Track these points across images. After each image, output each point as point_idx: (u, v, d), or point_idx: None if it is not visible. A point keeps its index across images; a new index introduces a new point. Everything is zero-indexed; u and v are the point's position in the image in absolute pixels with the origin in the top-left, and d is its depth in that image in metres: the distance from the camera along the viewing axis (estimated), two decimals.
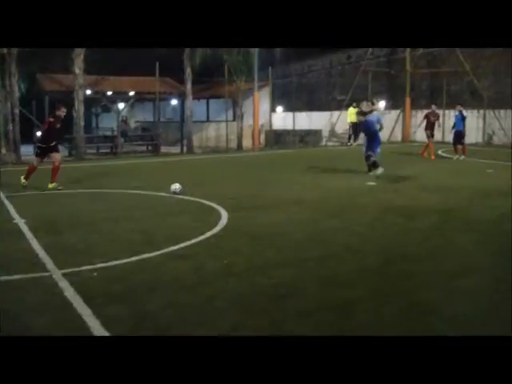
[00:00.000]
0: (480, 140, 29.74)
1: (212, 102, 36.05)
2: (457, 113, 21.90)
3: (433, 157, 21.93)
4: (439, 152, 24.13)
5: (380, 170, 14.66)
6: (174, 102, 32.83)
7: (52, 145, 13.68)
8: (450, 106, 31.05)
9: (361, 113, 15.91)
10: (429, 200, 11.69)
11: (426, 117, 22.94)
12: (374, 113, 15.63)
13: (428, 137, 22.63)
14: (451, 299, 5.64)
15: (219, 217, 9.83)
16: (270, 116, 31.83)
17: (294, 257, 7.32)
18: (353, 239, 8.30)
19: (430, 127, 22.57)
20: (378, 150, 15.20)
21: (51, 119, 13.84)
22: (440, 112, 31.97)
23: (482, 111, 29.24)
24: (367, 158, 15.13)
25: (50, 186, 13.31)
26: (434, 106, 23.76)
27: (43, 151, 13.77)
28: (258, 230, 8.95)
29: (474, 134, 29.17)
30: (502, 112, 29.48)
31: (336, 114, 33.05)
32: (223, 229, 8.94)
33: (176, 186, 12.45)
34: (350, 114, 29.63)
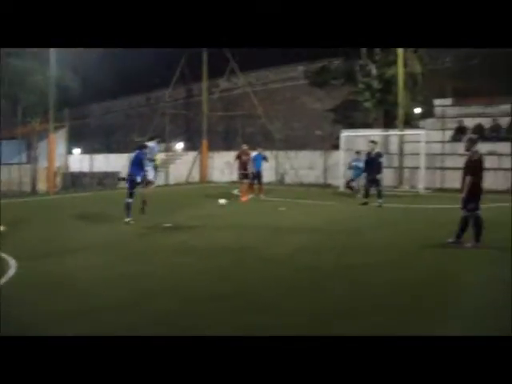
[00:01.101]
0: (273, 179, 31.25)
1: (4, 143, 34.34)
2: (255, 154, 22.73)
3: (244, 198, 21.50)
4: (235, 191, 24.94)
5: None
6: None
7: None
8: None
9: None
10: (223, 239, 12.06)
11: (238, 157, 22.63)
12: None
13: (241, 178, 22.38)
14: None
15: (7, 267, 9.33)
16: (67, 158, 31.03)
17: (83, 306, 7.15)
18: (148, 284, 8.31)
19: (242, 167, 22.25)
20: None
21: None
22: (236, 153, 33.33)
23: (274, 152, 30.79)
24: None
25: None
26: (244, 146, 23.39)
27: None
28: (48, 279, 8.63)
29: (267, 173, 30.59)
30: (293, 153, 31.34)
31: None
32: (9, 279, 8.49)
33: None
34: None
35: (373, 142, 20.05)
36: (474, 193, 10.80)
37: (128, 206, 14.48)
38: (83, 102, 39.62)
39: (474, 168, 10.91)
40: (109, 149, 36.31)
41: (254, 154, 22.92)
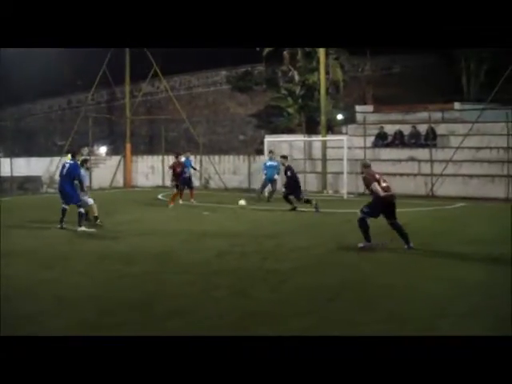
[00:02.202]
0: (198, 184, 31.23)
1: None
2: (183, 159, 22.49)
3: (171, 203, 20.71)
4: (159, 196, 24.81)
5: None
6: None
7: None
8: (169, 151, 32.31)
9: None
10: (146, 244, 11.99)
11: (173, 167, 21.62)
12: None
13: (173, 186, 21.80)
14: None
15: None
16: None
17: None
18: (67, 291, 8.18)
19: (175, 178, 21.49)
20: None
21: None
22: (160, 157, 33.20)
23: (198, 156, 30.77)
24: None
25: None
26: (181, 156, 22.58)
27: None
28: None
29: (192, 178, 30.55)
30: (217, 157, 31.40)
31: (56, 159, 32.27)
32: None
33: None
34: None
35: (284, 157, 20.57)
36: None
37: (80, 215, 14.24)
38: (1, 105, 38.56)
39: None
40: (30, 152, 35.41)
41: (182, 158, 22.74)
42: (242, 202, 19.76)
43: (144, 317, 6.81)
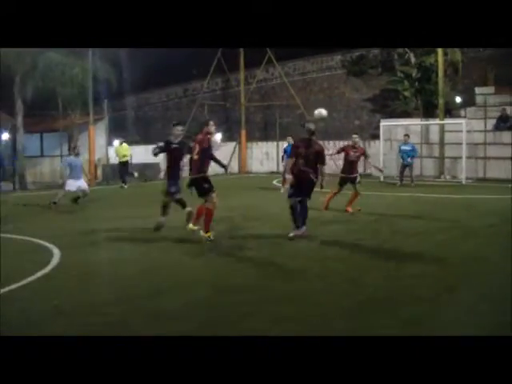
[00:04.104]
0: None
1: (46, 136, 34.86)
2: (286, 144, 22.46)
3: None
4: (274, 182, 24.94)
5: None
6: (5, 136, 31.39)
7: None
8: (283, 137, 32.41)
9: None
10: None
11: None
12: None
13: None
14: None
15: (51, 256, 9.53)
16: (107, 150, 31.33)
17: (125, 294, 7.27)
18: (208, 270, 8.41)
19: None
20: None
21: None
22: (274, 143, 33.38)
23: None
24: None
25: None
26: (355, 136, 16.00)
27: None
28: (91, 268, 8.79)
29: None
30: (331, 143, 31.16)
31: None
32: (54, 268, 8.68)
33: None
34: (123, 151, 27.26)
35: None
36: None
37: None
38: (122, 94, 39.98)
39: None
40: (148, 140, 36.58)
41: (285, 145, 22.71)
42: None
43: (260, 298, 6.88)
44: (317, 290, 7.35)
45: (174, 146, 10.74)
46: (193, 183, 10.57)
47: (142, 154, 34.40)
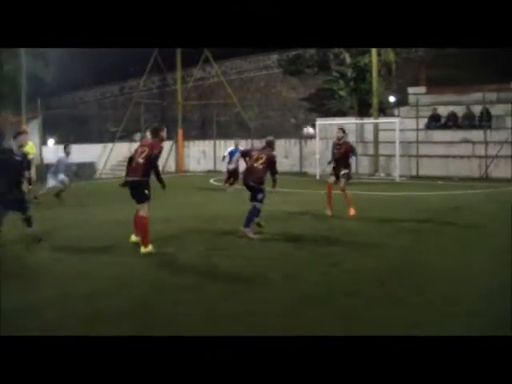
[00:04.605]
0: None
1: None
2: (231, 148, 21.79)
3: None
4: (211, 181, 24.96)
5: None
6: None
7: None
8: (220, 136, 32.53)
9: None
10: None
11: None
12: None
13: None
14: None
15: None
16: (41, 149, 30.65)
17: (61, 294, 7.15)
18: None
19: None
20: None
21: None
22: (211, 142, 33.39)
23: (249, 140, 30.78)
24: None
25: None
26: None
27: None
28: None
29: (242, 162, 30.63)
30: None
31: (109, 146, 32.76)
32: None
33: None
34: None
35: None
36: None
37: None
38: (56, 93, 39.26)
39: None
40: (84, 139, 36.01)
41: (229, 148, 22.21)
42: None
43: (197, 298, 6.89)
44: (253, 287, 7.41)
45: (17, 157, 10.27)
46: (134, 186, 9.91)
47: (77, 153, 33.89)
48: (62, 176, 17.34)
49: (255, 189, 11.10)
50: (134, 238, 10.27)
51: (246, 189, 11.32)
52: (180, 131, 34.62)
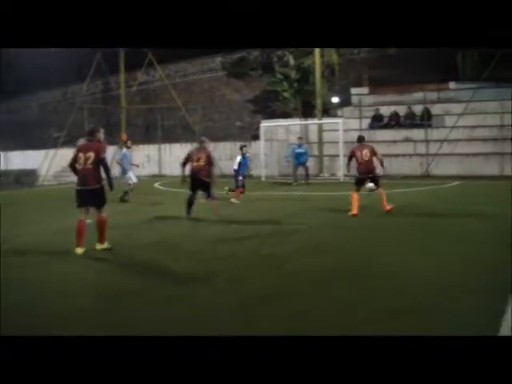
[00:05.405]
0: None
1: None
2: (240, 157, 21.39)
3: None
4: (155, 185, 24.79)
5: None
6: None
7: None
8: (165, 140, 32.34)
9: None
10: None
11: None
12: None
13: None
14: None
15: None
16: None
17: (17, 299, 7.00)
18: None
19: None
20: None
21: None
22: (156, 146, 33.17)
23: (194, 144, 30.64)
24: None
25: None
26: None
27: None
28: None
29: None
30: (213, 144, 31.28)
31: (52, 152, 32.21)
32: None
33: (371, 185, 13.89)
34: None
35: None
36: None
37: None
38: None
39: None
40: (25, 145, 35.34)
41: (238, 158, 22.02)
42: (371, 186, 14.87)
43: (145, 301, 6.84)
44: (202, 290, 7.39)
45: None
46: (94, 194, 9.78)
47: (19, 159, 33.21)
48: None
49: (207, 182, 13.17)
50: (103, 245, 10.08)
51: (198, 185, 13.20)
52: (124, 135, 34.26)
